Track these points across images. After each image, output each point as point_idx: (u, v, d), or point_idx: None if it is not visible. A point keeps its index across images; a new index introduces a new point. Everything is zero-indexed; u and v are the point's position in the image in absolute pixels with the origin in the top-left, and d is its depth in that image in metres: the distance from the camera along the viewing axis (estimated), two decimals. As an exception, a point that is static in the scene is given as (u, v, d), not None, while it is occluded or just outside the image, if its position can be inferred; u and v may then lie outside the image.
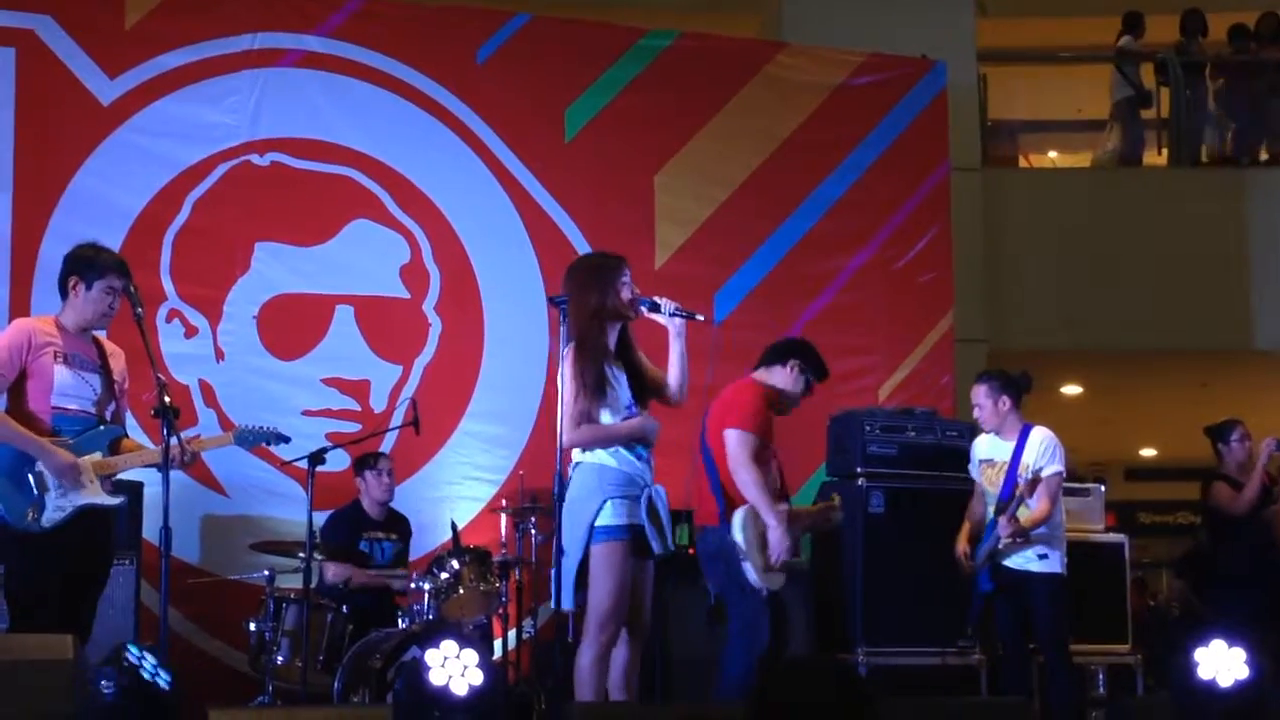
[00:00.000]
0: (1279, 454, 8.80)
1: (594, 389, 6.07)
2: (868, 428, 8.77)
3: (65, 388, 6.23)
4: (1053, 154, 15.11)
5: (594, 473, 6.10)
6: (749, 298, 10.02)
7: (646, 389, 6.30)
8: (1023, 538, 7.53)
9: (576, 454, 6.20)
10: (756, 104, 10.30)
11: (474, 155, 9.65)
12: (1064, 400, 14.49)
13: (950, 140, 10.79)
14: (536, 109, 9.86)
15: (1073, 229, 12.37)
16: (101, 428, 6.32)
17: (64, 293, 6.36)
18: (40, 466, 6.13)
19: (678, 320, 6.17)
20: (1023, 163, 14.63)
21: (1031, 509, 7.53)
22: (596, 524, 6.03)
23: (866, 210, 10.40)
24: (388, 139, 9.49)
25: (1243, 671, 5.61)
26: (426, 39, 9.70)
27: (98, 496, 6.23)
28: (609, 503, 6.03)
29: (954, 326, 10.53)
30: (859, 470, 8.63)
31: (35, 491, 6.11)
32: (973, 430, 9.07)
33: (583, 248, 9.74)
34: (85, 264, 6.32)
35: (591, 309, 6.14)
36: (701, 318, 6.35)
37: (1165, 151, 13.29)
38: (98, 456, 6.26)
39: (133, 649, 5.32)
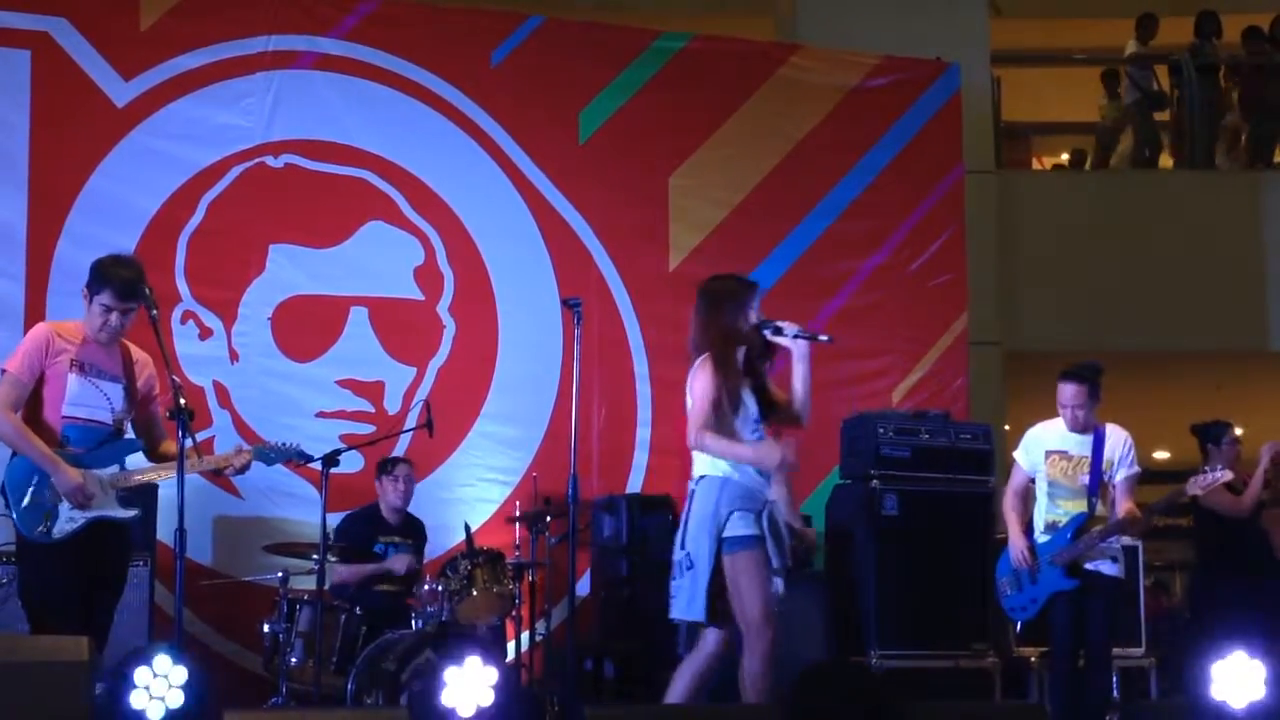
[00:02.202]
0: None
1: (733, 404, 6.13)
2: (881, 430, 8.76)
3: (76, 397, 6.21)
4: (1065, 156, 15.10)
5: (717, 486, 6.16)
6: (763, 301, 9.93)
7: (772, 409, 6.32)
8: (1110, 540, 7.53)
9: (700, 467, 6.23)
10: (771, 106, 10.29)
11: (488, 157, 9.66)
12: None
13: (964, 142, 10.78)
14: (550, 111, 9.86)
15: (1087, 231, 12.35)
16: (117, 441, 6.32)
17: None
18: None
19: (801, 342, 6.17)
20: (1036, 165, 14.62)
21: (1119, 512, 7.51)
22: (725, 535, 6.07)
23: (881, 213, 10.39)
24: (402, 141, 9.50)
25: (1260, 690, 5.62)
26: (440, 41, 9.71)
27: (110, 509, 6.23)
28: (734, 514, 6.07)
29: (968, 329, 10.52)
30: (872, 472, 8.60)
31: (49, 503, 6.12)
32: (986, 433, 9.08)
33: (597, 250, 9.76)
34: (95, 277, 6.28)
35: (724, 329, 6.22)
36: (825, 339, 6.31)
37: (1180, 153, 13.26)
38: (114, 470, 6.27)
39: None
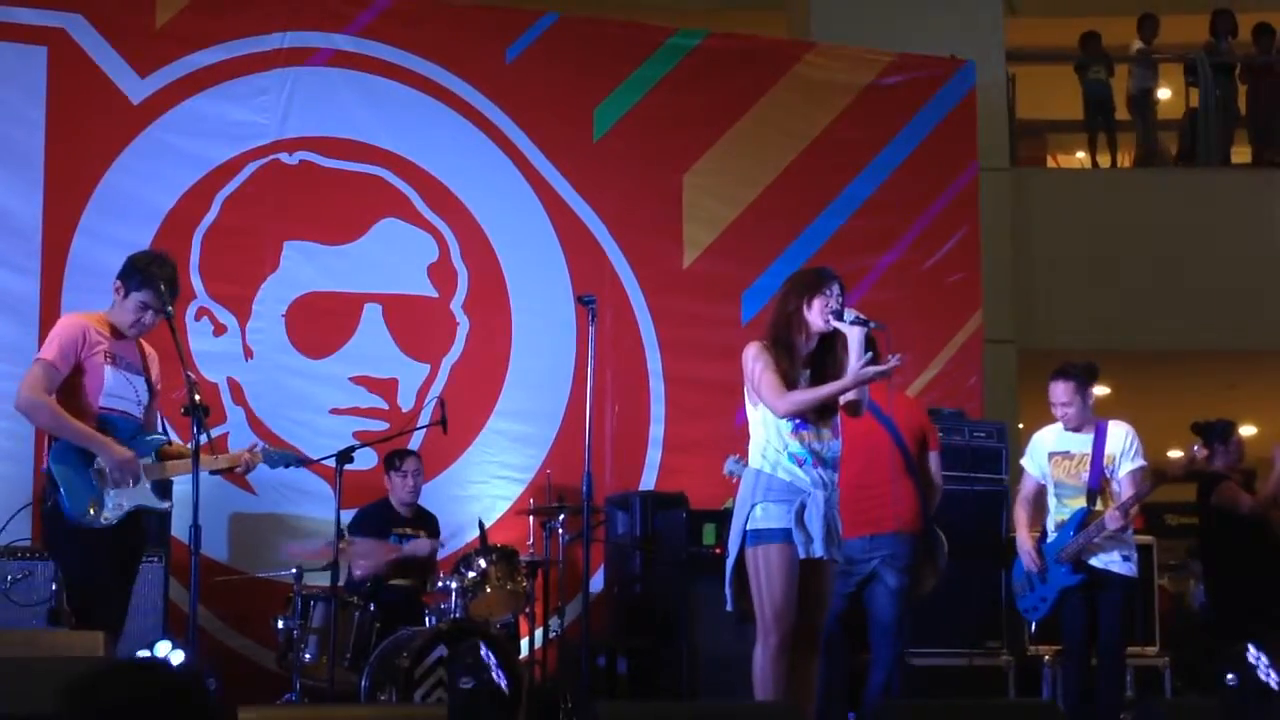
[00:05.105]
0: None
1: (789, 375, 6.09)
2: (895, 428, 8.73)
3: (113, 389, 6.25)
4: (1081, 154, 15.07)
5: (751, 477, 6.17)
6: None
7: (834, 402, 6.26)
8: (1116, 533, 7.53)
9: (750, 458, 6.23)
10: (785, 103, 10.29)
11: (502, 154, 9.66)
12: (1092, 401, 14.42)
13: (979, 140, 10.77)
14: (565, 108, 9.86)
15: (1101, 229, 12.34)
16: (149, 436, 6.36)
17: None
18: (100, 463, 6.16)
19: (856, 329, 6.15)
20: (1051, 163, 14.59)
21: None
22: (749, 528, 6.08)
23: (895, 210, 10.38)
24: (417, 138, 9.50)
25: None
26: (455, 38, 9.72)
27: (149, 500, 6.29)
28: (758, 506, 6.07)
29: (982, 327, 10.51)
30: (886, 471, 8.58)
31: (97, 487, 6.15)
32: (1000, 431, 9.07)
33: (610, 247, 9.77)
34: (132, 272, 6.30)
35: (786, 313, 6.22)
36: (877, 325, 6.28)
37: (1194, 152, 13.24)
38: (149, 461, 6.30)
39: None
